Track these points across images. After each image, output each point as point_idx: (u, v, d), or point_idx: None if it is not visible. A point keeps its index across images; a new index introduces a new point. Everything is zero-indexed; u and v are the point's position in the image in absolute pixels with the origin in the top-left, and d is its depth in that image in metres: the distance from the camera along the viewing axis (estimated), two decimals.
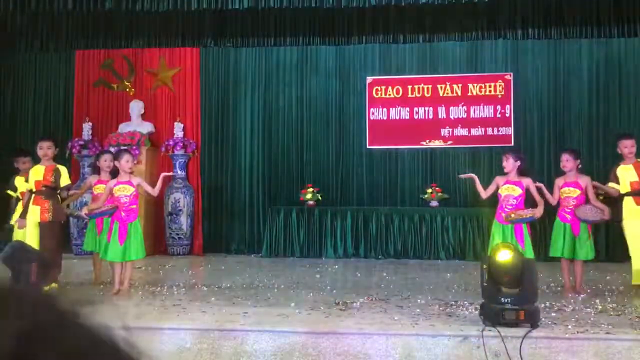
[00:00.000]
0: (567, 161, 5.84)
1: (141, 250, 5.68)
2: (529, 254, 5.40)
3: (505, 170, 5.66)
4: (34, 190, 5.72)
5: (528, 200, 5.72)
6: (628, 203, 5.81)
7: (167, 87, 9.80)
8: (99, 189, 5.97)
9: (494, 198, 5.85)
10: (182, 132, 9.56)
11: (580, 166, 5.95)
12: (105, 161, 6.02)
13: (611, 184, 5.90)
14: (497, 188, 5.70)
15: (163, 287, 5.95)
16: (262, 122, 9.65)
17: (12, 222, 5.82)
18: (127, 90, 9.83)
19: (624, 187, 5.88)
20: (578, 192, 5.76)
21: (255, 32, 9.44)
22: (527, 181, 5.64)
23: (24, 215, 5.70)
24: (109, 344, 0.43)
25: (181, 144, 9.43)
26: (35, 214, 5.71)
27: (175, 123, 9.59)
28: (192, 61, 9.78)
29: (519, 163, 5.66)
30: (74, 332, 0.41)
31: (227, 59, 9.77)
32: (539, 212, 5.52)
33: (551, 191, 5.86)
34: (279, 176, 9.57)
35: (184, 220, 9.30)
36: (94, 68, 9.85)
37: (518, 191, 5.59)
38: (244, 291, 5.74)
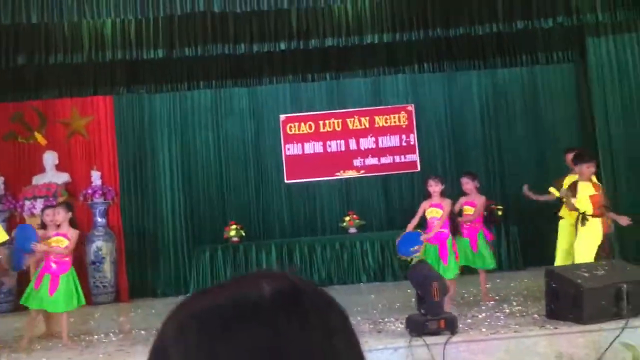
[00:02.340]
0: (467, 183, 6.57)
1: (70, 302, 5.72)
2: (450, 271, 5.99)
3: (435, 194, 6.26)
4: None
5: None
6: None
7: (81, 136, 9.80)
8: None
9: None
10: (100, 180, 9.57)
11: (478, 186, 6.69)
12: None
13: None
14: (424, 211, 6.31)
15: (99, 335, 6.01)
16: (181, 165, 9.85)
17: None
18: (39, 141, 9.72)
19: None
20: (473, 209, 6.50)
21: (168, 78, 9.68)
22: (447, 202, 6.28)
23: None
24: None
25: (100, 192, 9.43)
26: None
27: (92, 171, 9.58)
28: (105, 109, 9.84)
29: (443, 186, 6.32)
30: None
31: (141, 105, 9.92)
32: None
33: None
34: (202, 216, 9.78)
35: (107, 268, 9.26)
36: (3, 121, 9.68)
37: (440, 212, 6.23)
38: None
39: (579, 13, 7.67)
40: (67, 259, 5.72)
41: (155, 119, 9.90)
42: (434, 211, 6.23)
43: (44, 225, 6.50)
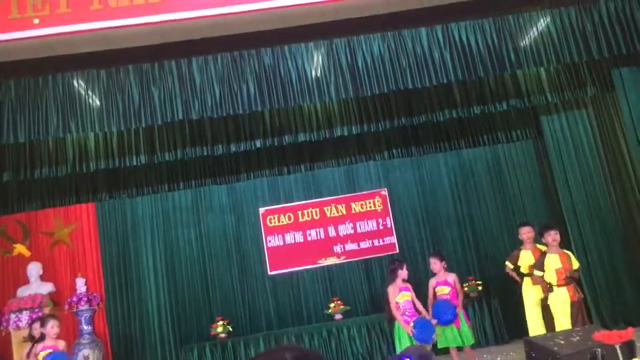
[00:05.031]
0: (434, 264, 6.90)
1: None
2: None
3: (404, 279, 6.55)
4: None
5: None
6: (526, 283, 6.93)
7: (65, 245, 9.94)
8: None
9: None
10: (85, 287, 9.63)
11: (445, 265, 6.99)
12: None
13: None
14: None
15: None
16: (164, 264, 9.99)
17: None
18: (22, 253, 9.83)
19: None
20: (449, 288, 6.76)
21: (149, 181, 10.02)
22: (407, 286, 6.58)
23: None
24: None
25: (85, 299, 9.46)
26: None
27: (77, 279, 9.66)
28: (87, 216, 10.06)
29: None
30: None
31: (123, 209, 10.16)
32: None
33: (426, 293, 6.90)
34: (188, 314, 9.82)
35: None
36: None
37: (408, 295, 6.48)
38: None
39: (530, 95, 8.32)
40: None
41: (138, 221, 10.12)
42: (406, 294, 6.49)
43: (32, 338, 6.55)
